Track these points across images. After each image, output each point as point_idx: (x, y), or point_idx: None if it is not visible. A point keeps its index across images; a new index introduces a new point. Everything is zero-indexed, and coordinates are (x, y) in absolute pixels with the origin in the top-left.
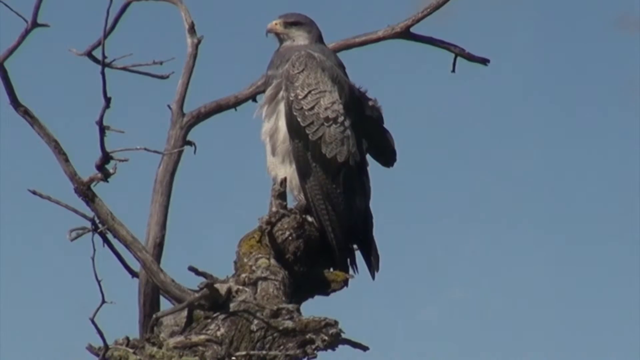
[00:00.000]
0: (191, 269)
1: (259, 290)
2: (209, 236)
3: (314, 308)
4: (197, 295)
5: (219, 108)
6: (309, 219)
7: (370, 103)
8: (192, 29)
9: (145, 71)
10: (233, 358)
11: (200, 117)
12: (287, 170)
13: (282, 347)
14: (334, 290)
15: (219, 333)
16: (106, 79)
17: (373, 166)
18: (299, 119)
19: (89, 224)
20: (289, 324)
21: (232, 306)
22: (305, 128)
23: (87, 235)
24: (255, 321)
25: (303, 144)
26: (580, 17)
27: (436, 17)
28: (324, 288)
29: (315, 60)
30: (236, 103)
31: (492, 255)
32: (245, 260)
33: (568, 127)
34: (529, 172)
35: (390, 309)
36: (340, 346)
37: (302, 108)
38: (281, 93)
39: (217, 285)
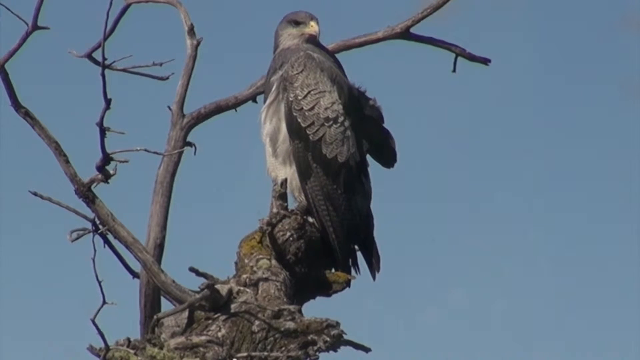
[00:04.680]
0: (192, 269)
1: (260, 291)
2: (210, 237)
3: (315, 309)
4: (198, 296)
5: (219, 109)
6: (310, 219)
7: (370, 102)
8: (191, 31)
9: (145, 73)
10: (234, 359)
11: (200, 118)
12: (287, 171)
13: (283, 348)
14: (336, 291)
15: (220, 334)
16: (106, 81)
17: (373, 167)
18: (299, 120)
19: (89, 225)
20: (290, 325)
21: (233, 307)
22: (305, 129)
23: (88, 236)
24: (257, 322)
25: (303, 144)
26: (581, 17)
27: (436, 17)
28: (326, 289)
29: (314, 61)
30: (236, 104)
31: (493, 256)
32: (246, 261)
33: (569, 127)
34: (530, 172)
35: (391, 310)
36: (342, 347)
37: (302, 108)
38: (281, 94)
39: (218, 286)
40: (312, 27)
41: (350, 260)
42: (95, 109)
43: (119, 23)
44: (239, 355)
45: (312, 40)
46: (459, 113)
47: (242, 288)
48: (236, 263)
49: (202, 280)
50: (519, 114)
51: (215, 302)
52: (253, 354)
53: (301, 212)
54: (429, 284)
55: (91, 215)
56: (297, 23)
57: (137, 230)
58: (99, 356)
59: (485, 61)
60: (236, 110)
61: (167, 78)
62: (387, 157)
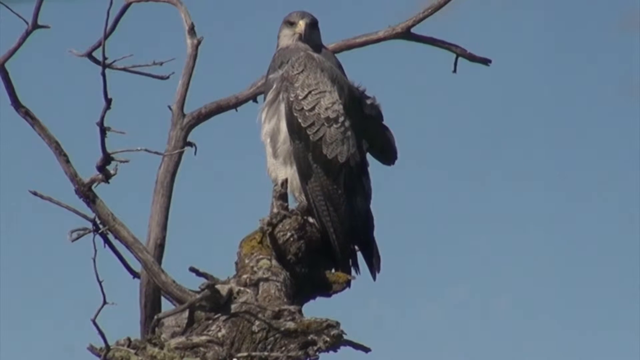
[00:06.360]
0: (192, 269)
1: (260, 291)
2: (210, 237)
3: (315, 309)
4: (198, 296)
5: (219, 108)
6: (310, 220)
7: (369, 101)
8: (192, 30)
9: (145, 72)
10: (234, 359)
11: (201, 117)
12: (287, 172)
13: (283, 348)
14: (336, 292)
15: (220, 334)
16: (107, 80)
17: (373, 165)
18: (299, 120)
19: (89, 225)
20: (290, 325)
21: (234, 307)
22: (306, 129)
23: (88, 236)
24: (257, 322)
25: (304, 144)
26: (583, 17)
27: (437, 17)
28: (326, 289)
29: (314, 61)
30: (237, 103)
31: (494, 255)
32: (247, 261)
33: (569, 127)
34: (531, 171)
35: (392, 310)
36: (342, 347)
37: (302, 109)
38: (281, 94)
39: (218, 286)
40: (299, 27)
41: (350, 260)
42: (95, 108)
43: (119, 22)
44: (239, 355)
45: (301, 39)
46: (459, 113)
47: (242, 288)
48: (236, 263)
49: (203, 280)
50: (518, 113)
51: (215, 302)
52: (253, 354)
53: (301, 213)
54: (430, 283)
55: (91, 215)
56: (291, 23)
57: (137, 230)
58: (99, 356)
59: (485, 61)
60: (237, 110)
61: (168, 77)
62: (388, 154)
